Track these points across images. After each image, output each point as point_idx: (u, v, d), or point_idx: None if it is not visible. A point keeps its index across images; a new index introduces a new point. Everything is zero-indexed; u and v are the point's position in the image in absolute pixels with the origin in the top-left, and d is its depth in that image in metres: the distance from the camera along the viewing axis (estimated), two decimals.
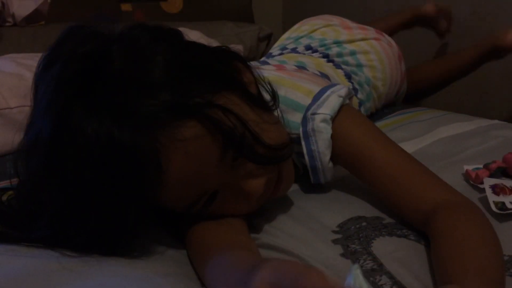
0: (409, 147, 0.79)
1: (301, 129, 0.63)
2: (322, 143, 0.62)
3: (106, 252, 0.48)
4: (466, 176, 0.68)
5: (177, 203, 0.51)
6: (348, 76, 0.91)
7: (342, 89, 0.64)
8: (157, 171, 0.45)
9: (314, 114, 0.62)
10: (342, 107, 0.63)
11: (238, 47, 1.28)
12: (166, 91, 0.46)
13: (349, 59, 0.94)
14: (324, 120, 0.61)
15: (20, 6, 1.24)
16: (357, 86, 0.91)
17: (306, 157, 0.62)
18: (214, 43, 1.23)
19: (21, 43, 1.19)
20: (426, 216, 0.53)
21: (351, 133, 0.62)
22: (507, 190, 0.60)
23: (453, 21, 1.32)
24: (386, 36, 1.07)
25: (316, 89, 0.65)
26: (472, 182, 0.66)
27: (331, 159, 0.63)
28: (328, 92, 0.64)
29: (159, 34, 0.52)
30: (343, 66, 0.92)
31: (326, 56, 0.94)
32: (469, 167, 0.68)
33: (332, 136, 0.61)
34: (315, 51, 0.95)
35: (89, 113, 0.44)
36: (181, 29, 1.39)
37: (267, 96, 0.59)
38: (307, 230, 0.57)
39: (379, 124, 0.94)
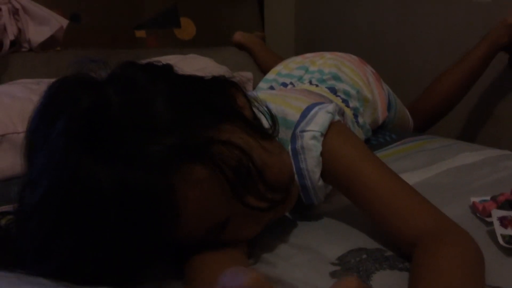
0: (416, 177, 0.78)
1: (290, 147, 0.62)
2: (311, 161, 0.61)
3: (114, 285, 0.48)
4: (473, 208, 0.66)
5: (191, 237, 0.51)
6: (334, 91, 0.92)
7: (329, 106, 0.64)
8: (173, 211, 0.46)
9: (303, 131, 0.62)
10: (332, 124, 0.62)
11: (247, 74, 1.29)
12: (171, 134, 0.46)
13: (324, 77, 0.96)
14: (313, 138, 0.61)
15: (36, 32, 1.27)
16: (345, 97, 0.92)
17: (295, 175, 0.62)
18: (223, 70, 1.24)
19: (35, 67, 1.22)
20: (412, 242, 0.52)
21: (341, 152, 0.61)
22: None
23: None
24: (338, 52, 1.11)
25: (303, 105, 0.65)
26: (479, 215, 0.64)
27: (322, 177, 0.62)
28: (316, 109, 0.63)
29: (153, 72, 0.51)
30: (325, 84, 0.94)
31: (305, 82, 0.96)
32: (476, 199, 0.67)
33: (321, 154, 0.61)
34: (292, 84, 0.99)
35: (101, 164, 0.44)
36: (192, 55, 1.40)
37: (266, 123, 0.59)
38: (306, 261, 0.56)
39: (386, 152, 0.93)
